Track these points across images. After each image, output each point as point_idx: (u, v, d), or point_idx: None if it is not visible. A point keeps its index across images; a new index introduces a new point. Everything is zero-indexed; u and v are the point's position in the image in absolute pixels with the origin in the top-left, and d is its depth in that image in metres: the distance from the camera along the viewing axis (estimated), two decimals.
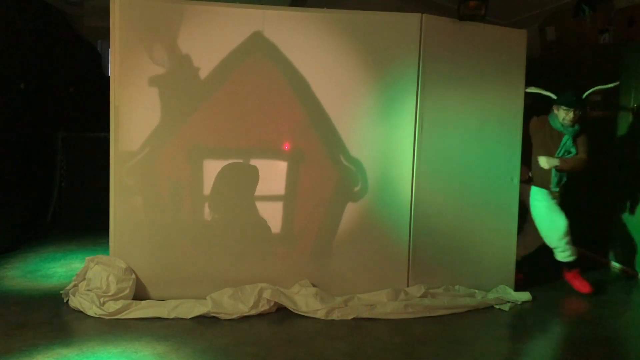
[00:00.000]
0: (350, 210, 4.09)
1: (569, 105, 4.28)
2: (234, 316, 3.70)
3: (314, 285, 4.03)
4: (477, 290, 4.24)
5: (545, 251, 5.86)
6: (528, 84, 4.36)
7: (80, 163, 6.01)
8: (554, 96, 4.37)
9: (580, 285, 4.49)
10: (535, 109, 6.33)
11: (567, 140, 4.36)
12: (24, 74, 5.36)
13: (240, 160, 3.96)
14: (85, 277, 3.88)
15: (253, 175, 3.98)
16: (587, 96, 4.35)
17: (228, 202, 3.96)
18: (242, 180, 3.99)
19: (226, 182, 3.95)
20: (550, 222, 4.43)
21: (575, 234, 5.77)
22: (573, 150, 4.36)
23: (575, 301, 4.34)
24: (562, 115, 4.31)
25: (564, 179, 4.44)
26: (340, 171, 4.06)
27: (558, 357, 3.36)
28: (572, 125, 4.33)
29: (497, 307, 4.11)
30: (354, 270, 4.12)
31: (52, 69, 5.98)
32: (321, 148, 4.02)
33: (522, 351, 3.46)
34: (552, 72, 6.27)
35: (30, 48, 5.50)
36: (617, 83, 4.52)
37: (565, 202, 4.55)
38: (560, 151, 4.36)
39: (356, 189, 4.09)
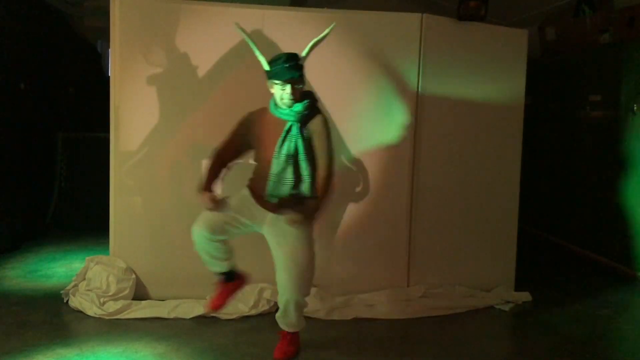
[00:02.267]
0: (351, 210, 4.09)
1: (281, 77, 2.94)
2: (234, 316, 3.70)
3: (314, 285, 4.03)
4: (477, 290, 4.24)
5: (545, 250, 5.88)
6: (528, 84, 4.36)
7: (80, 163, 6.02)
8: (267, 66, 3.03)
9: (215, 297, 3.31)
10: (535, 108, 6.35)
11: (290, 127, 3.01)
12: (24, 74, 5.37)
13: (240, 160, 3.95)
14: (85, 277, 3.89)
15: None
16: (306, 57, 3.10)
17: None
18: (242, 180, 3.98)
19: (226, 181, 3.94)
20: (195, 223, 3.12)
21: (575, 233, 5.81)
22: (301, 145, 3.01)
23: (575, 301, 4.34)
24: (279, 94, 2.99)
25: (287, 188, 3.05)
26: (340, 171, 4.05)
27: (558, 357, 3.36)
28: (291, 106, 3.00)
29: (497, 307, 4.11)
30: (354, 270, 4.12)
31: (52, 69, 5.99)
32: None
33: (522, 351, 3.46)
34: (552, 72, 6.28)
35: (30, 48, 5.50)
36: (333, 25, 3.23)
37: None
38: (283, 143, 3.02)
39: (358, 189, 4.09)
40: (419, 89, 4.08)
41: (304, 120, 3.04)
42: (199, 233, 3.09)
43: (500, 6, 5.78)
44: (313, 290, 3.94)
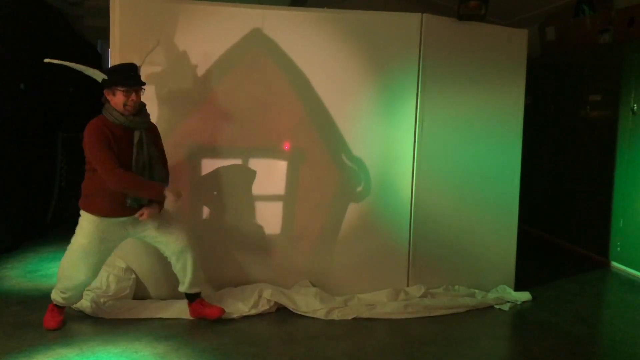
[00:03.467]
0: (351, 210, 4.09)
1: (130, 84, 3.19)
2: (234, 316, 3.70)
3: (314, 285, 4.04)
4: (477, 290, 4.25)
5: (544, 250, 5.88)
6: (528, 84, 4.36)
7: (80, 163, 6.00)
8: (101, 75, 3.22)
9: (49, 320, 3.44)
10: (535, 108, 6.35)
11: (141, 135, 3.25)
12: (24, 74, 5.36)
13: (240, 160, 3.96)
14: None
15: (253, 175, 3.98)
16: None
17: (228, 202, 3.96)
18: (242, 180, 3.98)
19: (226, 181, 3.95)
20: (74, 268, 3.35)
21: (575, 233, 5.81)
22: (152, 150, 3.32)
23: (575, 301, 4.34)
24: (123, 101, 3.19)
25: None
26: (342, 170, 4.06)
27: (558, 358, 3.36)
28: (136, 112, 3.25)
29: (497, 307, 4.11)
30: (354, 270, 4.12)
31: (52, 69, 5.97)
32: (322, 147, 4.02)
33: (522, 351, 3.46)
34: (552, 72, 6.28)
35: (30, 48, 5.50)
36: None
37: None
38: (139, 151, 3.27)
39: (359, 188, 4.09)
40: (419, 89, 4.08)
41: (148, 126, 3.33)
42: (84, 280, 3.39)
43: (500, 6, 5.78)
44: (313, 290, 3.95)
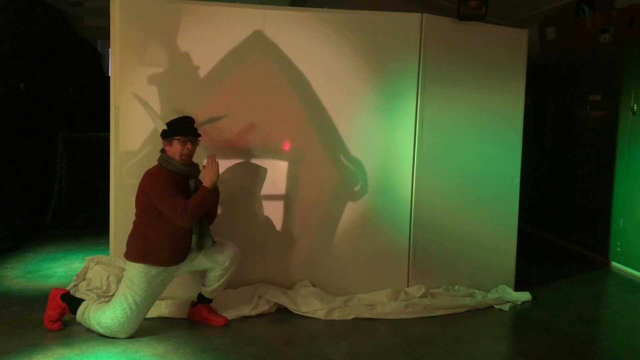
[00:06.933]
0: (351, 210, 4.09)
1: (186, 132, 3.38)
2: (234, 316, 3.70)
3: (314, 285, 4.04)
4: (477, 290, 4.25)
5: (544, 250, 5.88)
6: (528, 84, 4.36)
7: (80, 163, 6.02)
8: (163, 126, 3.44)
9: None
10: (535, 108, 6.35)
11: (196, 184, 3.45)
12: (24, 74, 5.36)
13: (240, 160, 3.96)
14: (85, 277, 3.89)
15: (252, 175, 3.98)
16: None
17: (227, 203, 3.96)
18: (241, 180, 3.98)
19: (225, 181, 3.95)
20: (138, 321, 3.37)
21: (575, 233, 5.82)
22: None
23: (575, 301, 4.34)
24: (179, 150, 3.36)
25: (210, 235, 3.51)
26: (340, 171, 4.06)
27: (558, 358, 3.36)
28: (190, 162, 3.43)
29: (497, 307, 4.11)
30: (354, 270, 4.12)
31: (52, 69, 5.98)
32: (322, 147, 4.02)
33: (522, 351, 3.46)
34: (552, 72, 6.28)
35: (30, 48, 5.50)
36: (225, 114, 3.77)
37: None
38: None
39: (356, 188, 4.09)
40: (419, 89, 4.08)
41: (198, 176, 3.49)
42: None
43: (500, 6, 5.78)
44: (313, 290, 3.96)
